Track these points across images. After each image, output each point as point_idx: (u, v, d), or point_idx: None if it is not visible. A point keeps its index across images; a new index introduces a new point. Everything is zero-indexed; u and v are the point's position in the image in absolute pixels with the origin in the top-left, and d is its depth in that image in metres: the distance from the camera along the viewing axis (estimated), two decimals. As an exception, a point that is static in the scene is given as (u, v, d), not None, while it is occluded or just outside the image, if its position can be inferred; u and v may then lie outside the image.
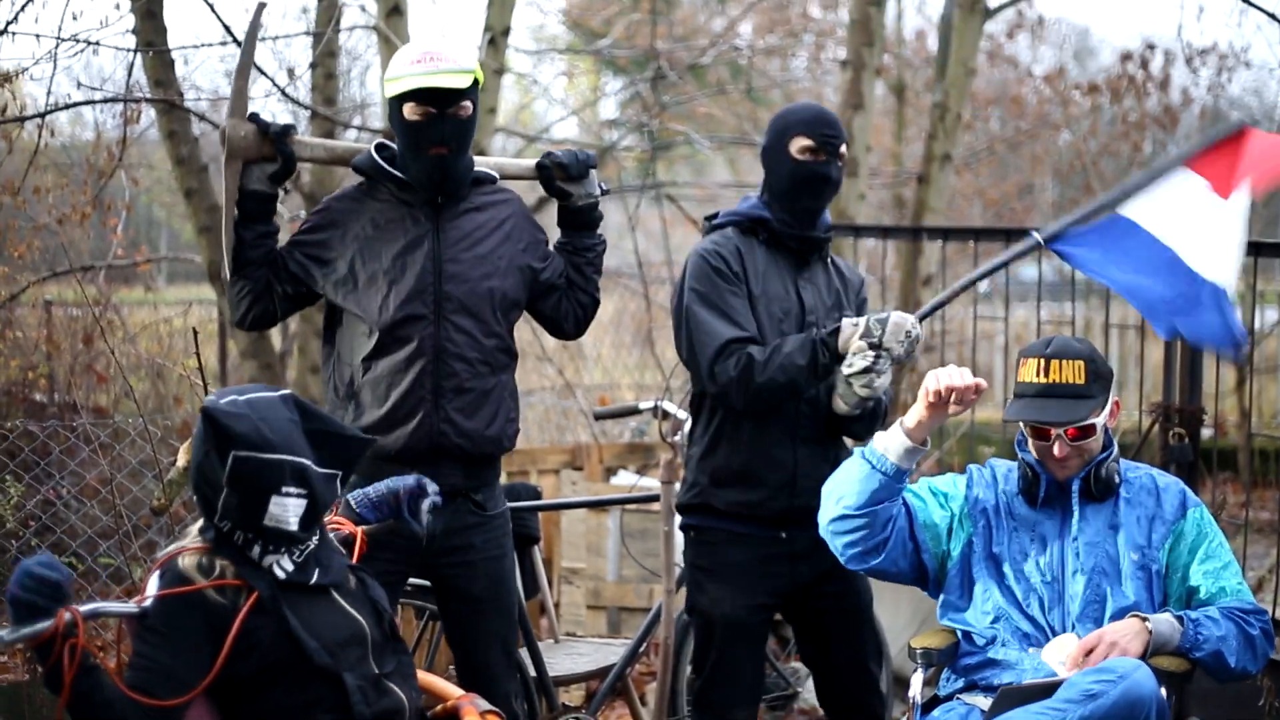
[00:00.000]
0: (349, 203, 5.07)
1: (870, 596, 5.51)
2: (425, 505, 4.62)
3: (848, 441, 5.43)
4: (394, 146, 5.10)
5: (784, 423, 5.26)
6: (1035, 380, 4.81)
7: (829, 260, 5.48)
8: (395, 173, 5.05)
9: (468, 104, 4.98)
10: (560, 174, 5.19)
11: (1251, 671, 4.72)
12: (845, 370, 5.05)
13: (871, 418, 5.26)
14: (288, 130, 4.94)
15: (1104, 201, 5.48)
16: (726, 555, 5.36)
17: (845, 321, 5.10)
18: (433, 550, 5.02)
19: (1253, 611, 4.71)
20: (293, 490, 4.06)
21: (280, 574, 4.10)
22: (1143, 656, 4.56)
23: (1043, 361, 4.83)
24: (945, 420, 4.87)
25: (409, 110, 4.95)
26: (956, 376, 4.72)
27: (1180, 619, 4.66)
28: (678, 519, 5.58)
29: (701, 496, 5.38)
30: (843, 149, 5.32)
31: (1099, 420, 4.78)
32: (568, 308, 5.30)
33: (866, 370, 5.01)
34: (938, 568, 4.97)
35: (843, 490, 4.84)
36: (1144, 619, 4.63)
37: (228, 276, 5.01)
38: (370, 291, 4.99)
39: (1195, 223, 5.37)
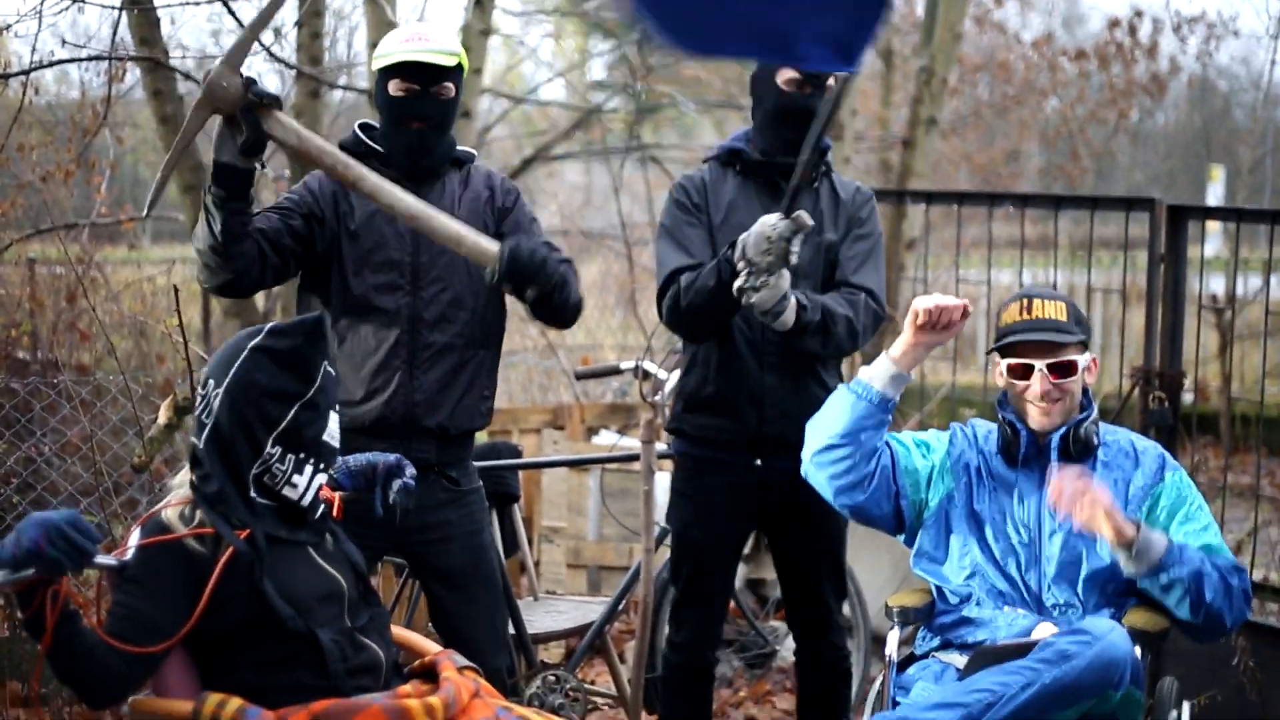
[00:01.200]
0: (330, 180, 5.07)
1: (843, 536, 5.61)
2: (395, 485, 4.64)
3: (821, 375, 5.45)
4: (377, 126, 5.16)
5: (751, 349, 5.32)
6: (1018, 319, 4.83)
7: (825, 183, 5.47)
8: (378, 148, 5.11)
9: (450, 86, 5.07)
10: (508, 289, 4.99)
11: (1226, 623, 4.68)
12: (734, 289, 5.02)
13: (820, 334, 5.16)
14: (271, 100, 4.74)
15: None
16: (702, 480, 5.49)
17: (740, 237, 5.05)
18: (406, 528, 5.02)
19: (1235, 569, 4.72)
20: (337, 408, 4.23)
21: (313, 496, 4.17)
22: (1127, 547, 4.58)
23: (1025, 301, 4.85)
24: (931, 349, 4.87)
25: (394, 86, 5.04)
26: (942, 298, 4.74)
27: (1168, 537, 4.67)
28: (660, 481, 5.63)
29: (677, 422, 5.53)
30: (830, 81, 5.28)
31: (1080, 359, 4.79)
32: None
33: (743, 290, 4.96)
34: (914, 516, 4.98)
35: (827, 423, 4.87)
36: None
37: (198, 245, 4.90)
38: (348, 261, 5.03)
39: None
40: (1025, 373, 4.80)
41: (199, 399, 4.17)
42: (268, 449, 4.10)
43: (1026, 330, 4.80)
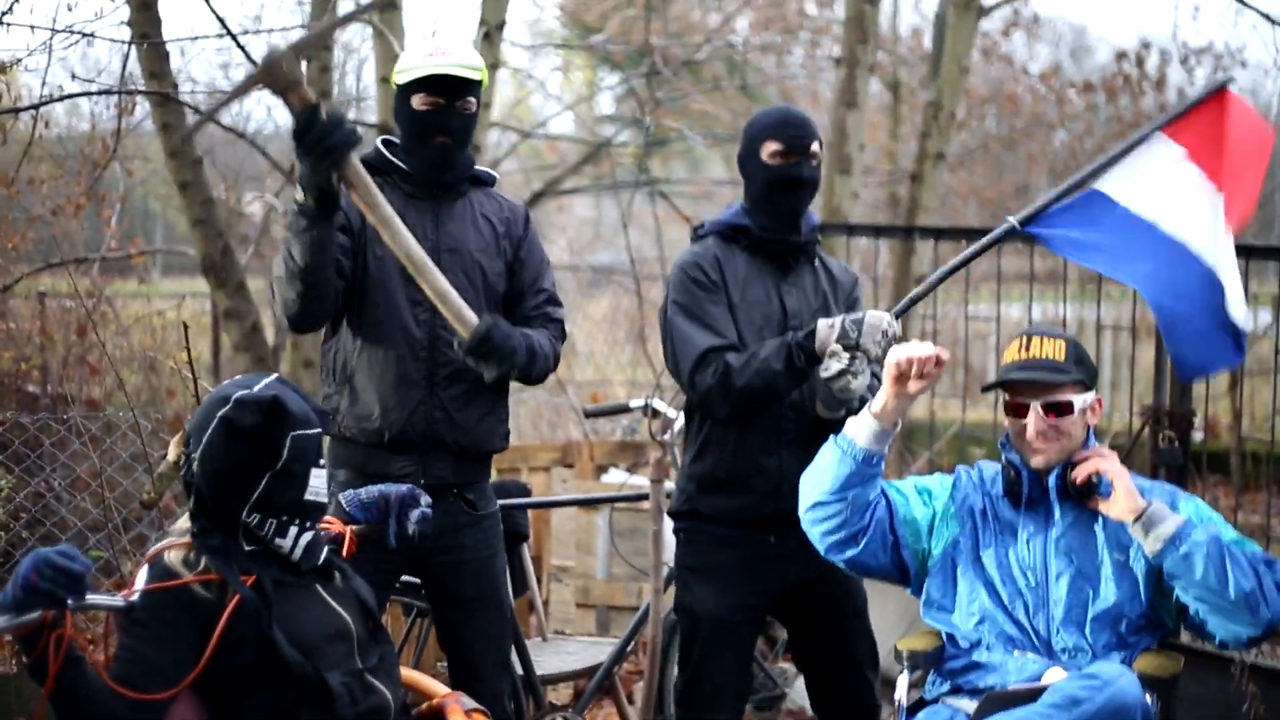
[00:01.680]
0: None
1: (865, 600, 5.49)
2: (414, 515, 4.64)
3: None
4: (397, 141, 5.16)
5: (769, 428, 5.25)
6: (1017, 358, 4.84)
7: (817, 262, 5.47)
8: (399, 164, 5.11)
9: (473, 100, 5.08)
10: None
11: (1261, 605, 4.55)
12: (823, 374, 5.02)
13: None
14: (319, 110, 4.56)
15: (1079, 178, 5.32)
16: (714, 556, 5.36)
17: (821, 323, 5.07)
18: (425, 549, 5.04)
19: (1265, 560, 4.64)
20: (322, 462, 4.20)
21: (301, 553, 4.15)
22: (1137, 518, 4.61)
23: (1024, 339, 4.85)
24: (912, 402, 4.82)
25: (417, 100, 5.04)
26: (915, 348, 4.71)
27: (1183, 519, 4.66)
28: (668, 521, 5.59)
29: (690, 503, 5.40)
30: (814, 147, 5.29)
31: (1077, 400, 4.77)
32: None
33: (843, 373, 4.98)
34: (918, 565, 4.97)
35: (817, 478, 4.85)
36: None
37: (280, 274, 4.80)
38: (371, 278, 5.03)
39: (1171, 193, 5.23)
40: (1022, 411, 4.80)
41: (183, 458, 4.17)
42: (244, 517, 4.10)
43: (1021, 369, 4.81)
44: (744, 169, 5.39)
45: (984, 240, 5.33)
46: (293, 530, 4.14)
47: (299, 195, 4.68)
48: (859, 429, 4.78)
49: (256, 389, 4.12)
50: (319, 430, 4.19)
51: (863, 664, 5.44)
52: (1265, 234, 18.61)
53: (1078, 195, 5.26)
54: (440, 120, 5.03)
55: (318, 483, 4.18)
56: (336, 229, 4.80)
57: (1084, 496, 4.78)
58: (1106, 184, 5.24)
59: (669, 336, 5.28)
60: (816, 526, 4.89)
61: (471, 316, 4.77)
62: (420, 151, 5.07)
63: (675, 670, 5.83)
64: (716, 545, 5.36)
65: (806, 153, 5.27)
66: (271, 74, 4.53)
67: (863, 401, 5.12)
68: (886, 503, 4.90)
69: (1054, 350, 4.80)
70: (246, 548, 4.12)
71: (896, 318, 5.10)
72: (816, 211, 5.61)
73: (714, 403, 5.18)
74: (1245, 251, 7.45)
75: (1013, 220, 5.27)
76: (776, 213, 5.31)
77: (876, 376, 5.19)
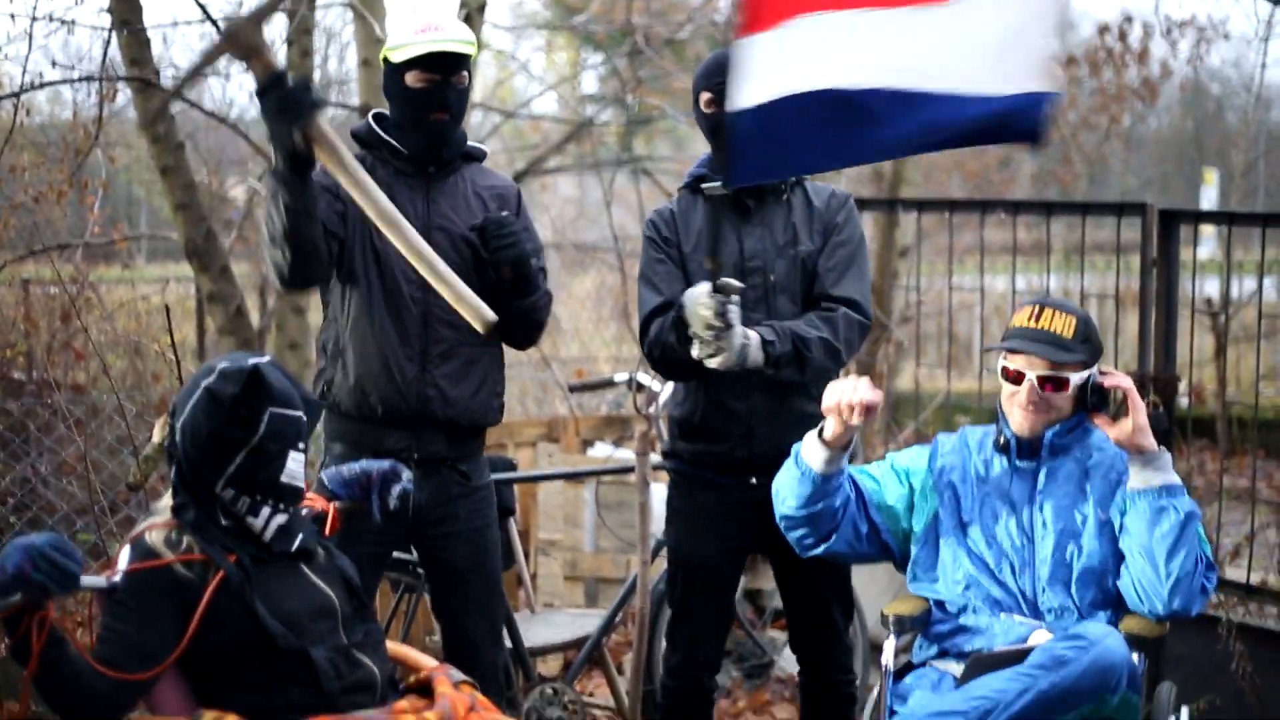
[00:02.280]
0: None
1: None
2: (395, 490, 4.65)
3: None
4: (387, 115, 5.17)
5: (736, 377, 5.26)
6: (1025, 324, 4.81)
7: (794, 195, 5.42)
8: (392, 141, 5.11)
9: (466, 75, 5.09)
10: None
11: (1184, 592, 4.59)
12: (694, 356, 5.07)
13: (793, 363, 5.17)
14: (284, 76, 4.58)
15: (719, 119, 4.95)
16: (697, 498, 5.45)
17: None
18: (419, 522, 5.06)
19: (1209, 562, 4.68)
20: (302, 446, 4.20)
21: (274, 534, 4.16)
22: (1142, 451, 4.64)
23: (1036, 308, 4.82)
24: (860, 428, 4.80)
25: (412, 78, 5.03)
26: (844, 390, 4.67)
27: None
28: (655, 492, 5.62)
29: (672, 447, 5.50)
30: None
31: (1074, 378, 4.75)
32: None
33: (710, 356, 5.02)
34: (901, 544, 4.99)
35: (783, 493, 4.88)
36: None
37: (269, 234, 4.80)
38: (362, 254, 5.04)
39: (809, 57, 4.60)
40: (1018, 378, 4.80)
41: (168, 429, 4.18)
42: (219, 490, 4.11)
43: (1025, 338, 4.79)
44: (697, 119, 5.45)
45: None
46: (265, 510, 4.15)
47: (274, 160, 4.69)
48: (812, 454, 4.78)
49: (248, 361, 4.14)
50: (300, 414, 4.19)
51: (830, 604, 5.49)
52: (1249, 202, 18.65)
53: (736, 129, 4.61)
54: (438, 96, 5.03)
55: (295, 466, 4.18)
56: (313, 191, 4.77)
57: (1097, 406, 4.76)
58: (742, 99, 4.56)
59: None
60: (788, 534, 4.95)
61: (487, 311, 4.76)
62: (417, 128, 5.08)
63: (664, 641, 5.84)
64: (699, 487, 5.44)
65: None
66: (235, 40, 4.57)
67: (792, 349, 5.12)
68: (858, 494, 4.91)
69: (1063, 325, 4.77)
70: (223, 523, 4.13)
71: (715, 288, 4.94)
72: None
73: (652, 365, 5.33)
74: (1228, 218, 7.48)
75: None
76: (721, 159, 5.31)
77: (828, 299, 5.26)
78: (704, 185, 5.21)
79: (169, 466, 4.19)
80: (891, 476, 4.98)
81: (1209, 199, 20.83)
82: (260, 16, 4.72)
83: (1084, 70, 18.33)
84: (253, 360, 4.15)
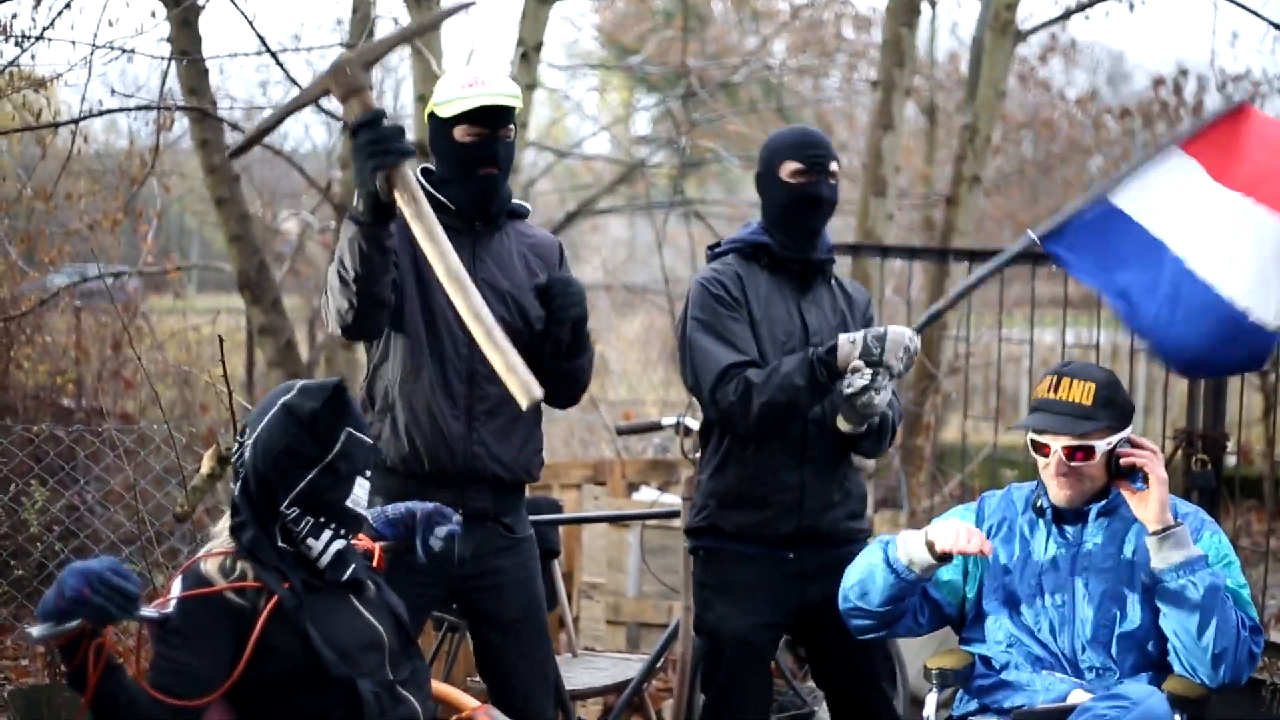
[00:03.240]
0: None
1: None
2: (441, 532, 4.65)
3: (856, 460, 5.44)
4: (434, 171, 5.12)
5: (790, 443, 5.25)
6: (1045, 395, 4.82)
7: (833, 281, 5.49)
8: (440, 197, 5.06)
9: (512, 128, 5.06)
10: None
11: (1227, 664, 4.59)
12: (846, 390, 5.04)
13: (879, 434, 5.25)
14: (381, 118, 4.65)
15: (1097, 191, 5.30)
16: (734, 574, 5.36)
17: (842, 338, 5.08)
18: (462, 575, 5.05)
19: (1254, 627, 4.68)
20: (368, 474, 4.22)
21: (330, 559, 4.17)
22: (1159, 530, 4.63)
23: (1055, 379, 4.84)
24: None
25: (460, 132, 4.99)
26: (963, 539, 4.64)
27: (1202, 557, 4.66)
28: (678, 502, 5.61)
29: (709, 519, 5.38)
30: (833, 166, 5.32)
31: (1100, 445, 4.74)
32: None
33: (866, 389, 5.01)
34: (958, 611, 4.98)
35: (866, 586, 4.82)
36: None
37: (336, 282, 4.81)
38: (411, 311, 5.02)
39: (1188, 211, 5.20)
40: (1045, 450, 4.80)
41: (237, 446, 4.21)
42: (283, 508, 4.13)
43: (1045, 409, 4.80)
44: (762, 188, 5.40)
45: (1005, 253, 5.35)
46: (326, 534, 4.17)
47: (355, 202, 4.70)
48: (915, 556, 4.72)
49: (331, 379, 4.19)
50: (371, 441, 4.23)
51: (878, 677, 5.43)
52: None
53: (1095, 211, 5.23)
54: (487, 151, 5.00)
55: (361, 493, 4.20)
56: (391, 239, 4.76)
57: (1118, 476, 4.77)
58: (1122, 199, 5.22)
59: (688, 353, 5.28)
60: (854, 622, 4.94)
61: (536, 386, 4.63)
62: (465, 183, 5.04)
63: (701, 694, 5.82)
64: (736, 563, 5.35)
65: (826, 171, 5.30)
66: (339, 77, 4.61)
67: (883, 417, 5.15)
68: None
69: (1081, 394, 4.77)
70: (280, 545, 4.15)
71: (918, 333, 5.11)
72: (851, 234, 5.62)
73: (735, 419, 5.18)
74: None
75: (1032, 234, 5.25)
76: (796, 231, 5.33)
77: (896, 394, 5.27)
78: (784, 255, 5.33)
79: (235, 482, 4.20)
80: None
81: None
82: (369, 58, 4.72)
83: (1137, 123, 18.30)
84: (335, 379, 4.19)
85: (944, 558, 4.66)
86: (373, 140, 4.56)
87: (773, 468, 5.28)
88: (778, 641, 5.56)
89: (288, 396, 4.15)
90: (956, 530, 4.64)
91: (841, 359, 5.05)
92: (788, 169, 5.30)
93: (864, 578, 4.82)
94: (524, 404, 4.54)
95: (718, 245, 5.50)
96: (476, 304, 4.59)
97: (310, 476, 4.13)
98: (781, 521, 5.28)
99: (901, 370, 5.03)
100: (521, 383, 4.54)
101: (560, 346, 5.04)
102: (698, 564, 5.49)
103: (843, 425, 5.16)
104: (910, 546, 4.72)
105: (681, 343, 5.33)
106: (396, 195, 4.60)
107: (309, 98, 4.82)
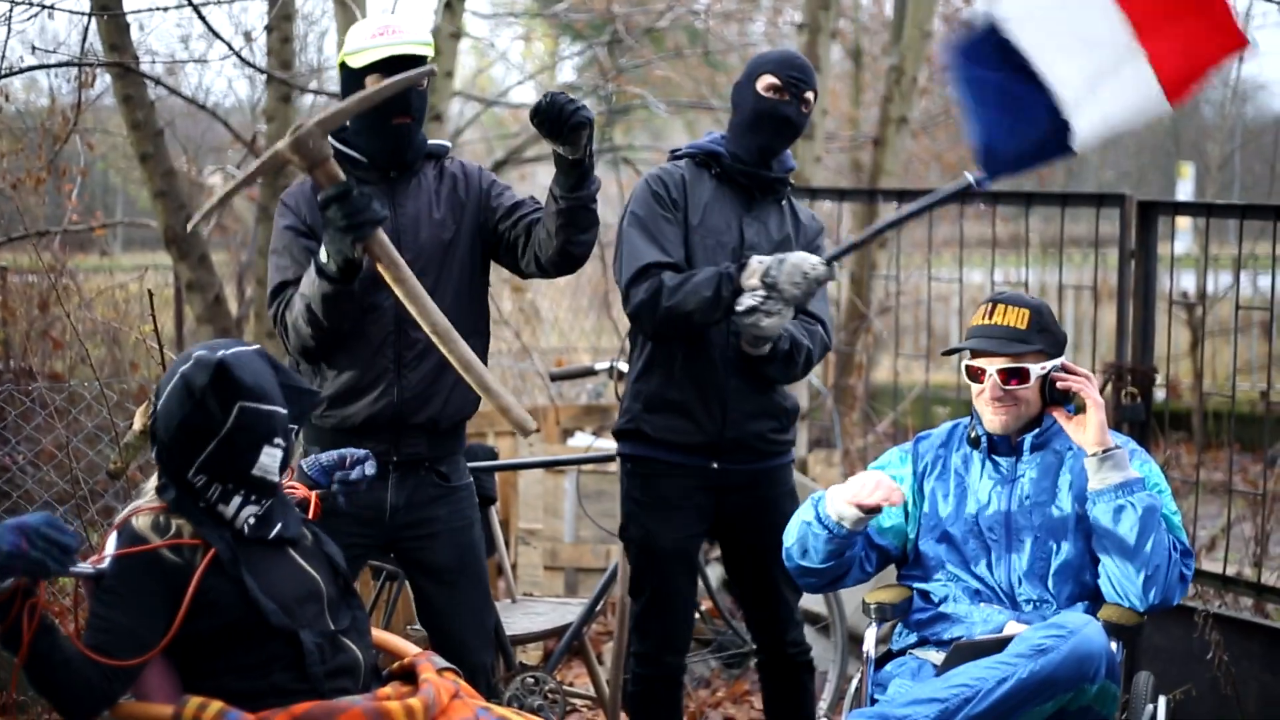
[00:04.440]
0: (308, 193, 5.04)
1: None
2: (354, 474, 4.62)
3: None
4: (347, 124, 5.06)
5: (717, 352, 5.31)
6: (981, 323, 4.88)
7: (786, 203, 5.50)
8: (351, 152, 5.05)
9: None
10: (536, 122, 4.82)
11: (1160, 585, 4.63)
12: (736, 308, 5.08)
13: (785, 361, 5.27)
14: (350, 191, 4.66)
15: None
16: (660, 488, 5.47)
17: (754, 259, 5.12)
18: (396, 524, 5.06)
19: (1185, 550, 4.74)
20: (279, 441, 4.16)
21: (248, 526, 4.14)
22: (1098, 453, 4.69)
23: (989, 306, 4.90)
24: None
25: (371, 82, 4.96)
26: (866, 490, 4.67)
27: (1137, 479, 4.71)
28: (614, 447, 5.64)
29: (634, 423, 5.47)
30: (808, 95, 5.36)
31: (1034, 368, 4.80)
32: (549, 231, 4.98)
33: (754, 309, 5.04)
34: (903, 553, 5.02)
35: (805, 544, 4.84)
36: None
37: (299, 322, 4.89)
38: None
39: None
40: (980, 375, 4.85)
41: (153, 409, 4.19)
42: (190, 476, 4.11)
43: (981, 335, 4.86)
44: (736, 97, 5.45)
45: (936, 194, 5.36)
46: (236, 500, 4.14)
47: (323, 256, 4.74)
48: (844, 513, 4.72)
49: (218, 353, 4.12)
50: (275, 408, 4.15)
51: (778, 581, 5.53)
52: (1225, 195, 18.71)
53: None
54: (400, 101, 4.95)
55: (269, 461, 4.15)
56: (356, 287, 4.83)
57: (1057, 400, 4.84)
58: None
59: (619, 244, 5.34)
60: (799, 579, 4.98)
61: (526, 415, 4.78)
62: (379, 133, 5.02)
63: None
64: (660, 476, 5.46)
65: (799, 97, 5.34)
66: (300, 152, 4.62)
67: (793, 345, 5.20)
68: (863, 532, 4.91)
69: (1016, 318, 4.84)
70: (200, 506, 4.13)
71: (828, 264, 5.14)
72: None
73: (642, 318, 5.27)
74: (1205, 209, 7.51)
75: (970, 178, 5.23)
76: (755, 146, 5.37)
77: (825, 325, 5.39)
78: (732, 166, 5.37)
79: (152, 448, 4.19)
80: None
81: (1185, 193, 20.90)
82: (329, 127, 4.71)
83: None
84: (222, 352, 4.11)
85: (872, 510, 4.69)
86: (347, 214, 4.61)
87: (698, 374, 5.34)
88: (700, 545, 5.69)
89: (185, 367, 4.10)
90: (862, 483, 4.69)
91: (745, 277, 5.08)
92: (765, 82, 5.34)
93: (801, 536, 4.85)
94: (523, 436, 4.83)
95: (678, 150, 5.55)
96: (466, 355, 4.74)
97: (209, 449, 4.10)
98: (705, 429, 5.35)
99: (797, 296, 5.05)
100: (517, 418, 4.74)
101: (582, 160, 4.84)
102: (624, 475, 5.58)
103: (745, 347, 5.21)
104: (837, 503, 4.75)
105: (618, 236, 5.37)
106: (380, 267, 4.69)
107: (267, 168, 4.85)
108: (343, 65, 5.07)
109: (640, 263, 5.25)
